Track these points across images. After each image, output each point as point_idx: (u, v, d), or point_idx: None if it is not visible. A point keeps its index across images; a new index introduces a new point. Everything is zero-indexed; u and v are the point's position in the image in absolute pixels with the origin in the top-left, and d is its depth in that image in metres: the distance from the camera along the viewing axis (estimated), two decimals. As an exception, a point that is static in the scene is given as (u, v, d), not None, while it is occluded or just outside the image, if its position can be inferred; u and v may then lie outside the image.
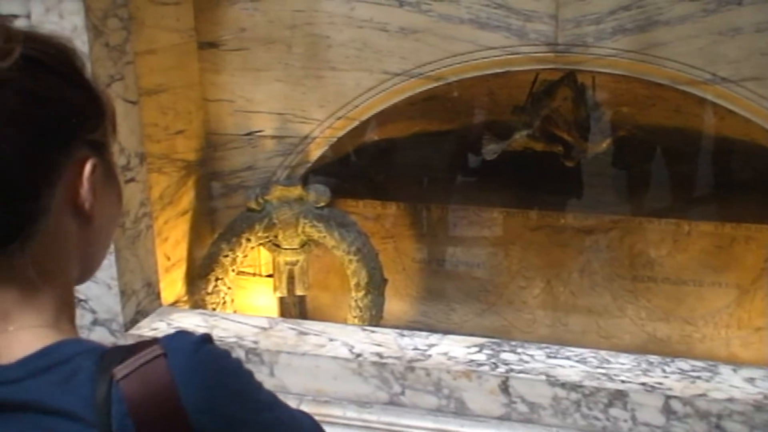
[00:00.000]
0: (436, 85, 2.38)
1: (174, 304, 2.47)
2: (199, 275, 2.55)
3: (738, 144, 2.52)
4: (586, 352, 2.06)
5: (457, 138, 2.74)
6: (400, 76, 2.39)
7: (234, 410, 0.79)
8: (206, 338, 0.81)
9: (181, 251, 2.54)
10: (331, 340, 2.13)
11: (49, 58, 0.81)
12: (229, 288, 2.56)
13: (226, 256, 2.53)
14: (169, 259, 2.46)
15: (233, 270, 2.56)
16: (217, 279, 2.53)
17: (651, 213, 2.61)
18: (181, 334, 0.81)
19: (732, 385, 1.95)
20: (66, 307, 0.85)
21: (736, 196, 2.63)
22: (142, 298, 2.28)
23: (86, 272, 0.90)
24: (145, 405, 0.74)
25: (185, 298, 2.55)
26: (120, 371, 0.75)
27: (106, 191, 0.85)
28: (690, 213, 2.59)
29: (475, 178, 2.79)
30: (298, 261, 2.60)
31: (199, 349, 0.79)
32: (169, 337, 0.80)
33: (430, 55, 2.35)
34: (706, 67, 2.20)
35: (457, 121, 2.71)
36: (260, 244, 2.58)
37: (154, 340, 0.79)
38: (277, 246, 2.58)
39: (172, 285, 2.48)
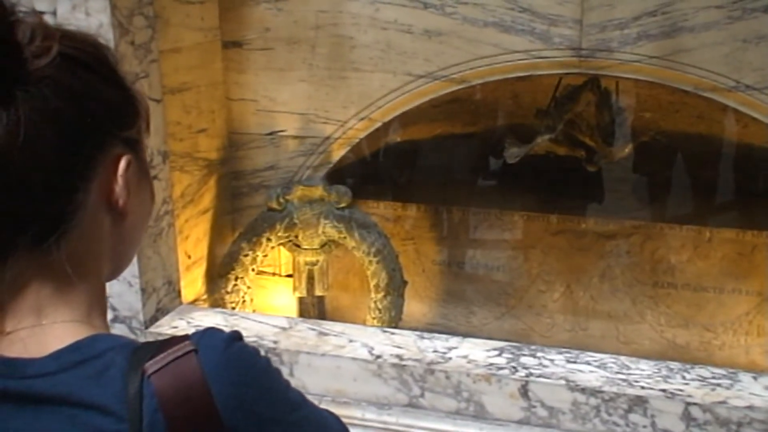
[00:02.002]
0: (459, 87, 2.38)
1: (194, 302, 2.48)
2: (220, 274, 2.57)
3: (761, 151, 2.51)
4: (606, 358, 2.06)
5: (479, 141, 2.74)
6: (423, 78, 2.39)
7: (264, 408, 0.80)
8: (236, 336, 0.82)
9: (202, 250, 2.55)
10: (351, 341, 2.13)
11: (85, 56, 0.82)
12: (248, 287, 2.57)
13: (247, 255, 2.54)
14: (189, 257, 2.47)
15: (253, 269, 2.57)
16: (237, 278, 2.54)
17: (672, 219, 2.60)
18: (212, 331, 0.82)
19: (752, 392, 1.94)
20: (98, 303, 0.87)
21: (758, 203, 2.62)
22: (163, 296, 2.29)
23: (117, 269, 0.92)
24: (176, 400, 0.74)
25: (205, 297, 2.56)
26: (151, 366, 0.75)
27: (139, 188, 0.86)
28: (711, 220, 2.58)
29: (497, 181, 2.79)
30: (318, 261, 2.61)
31: (229, 346, 0.80)
32: (199, 334, 0.81)
33: (454, 57, 2.35)
34: (731, 74, 2.19)
35: (479, 124, 2.71)
36: (281, 243, 2.59)
37: (185, 337, 0.80)
38: (298, 246, 2.59)
39: (193, 283, 2.49)
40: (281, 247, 2.63)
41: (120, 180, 0.82)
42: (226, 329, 0.82)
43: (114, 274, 0.91)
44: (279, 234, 2.55)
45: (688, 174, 2.69)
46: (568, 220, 2.65)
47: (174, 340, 0.79)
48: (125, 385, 0.74)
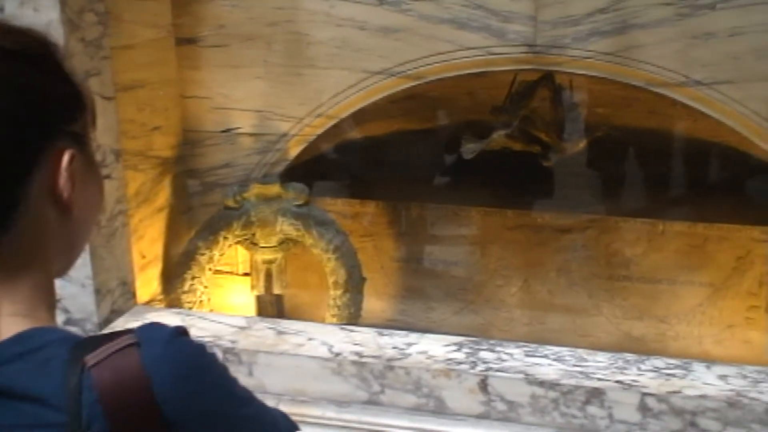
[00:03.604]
0: (415, 84, 2.39)
1: (149, 303, 2.45)
2: (176, 274, 2.54)
3: (711, 146, 2.56)
4: (563, 351, 2.08)
5: (436, 137, 2.75)
6: (379, 75, 2.39)
7: (208, 403, 0.80)
8: (181, 330, 0.82)
9: (157, 249, 2.52)
10: (310, 339, 2.12)
11: (29, 51, 0.82)
12: (205, 287, 2.55)
13: (203, 254, 2.52)
14: (144, 257, 2.44)
15: (210, 268, 2.55)
16: (193, 277, 2.52)
17: (626, 213, 2.64)
18: (156, 325, 0.81)
19: (705, 382, 1.98)
20: (44, 298, 0.85)
21: (709, 196, 2.67)
22: (117, 297, 2.26)
23: (67, 263, 0.91)
24: (115, 393, 0.74)
25: (161, 297, 2.53)
26: (92, 359, 0.75)
27: (85, 182, 0.86)
28: (664, 213, 2.62)
29: (454, 177, 2.80)
30: (275, 259, 2.59)
31: (173, 339, 0.80)
32: (143, 328, 0.80)
33: (410, 54, 2.35)
34: (681, 70, 2.23)
35: (436, 121, 2.72)
36: (238, 242, 2.57)
37: (128, 330, 0.79)
38: (255, 244, 2.57)
39: (148, 284, 2.46)
40: (238, 246, 2.61)
41: (63, 173, 0.82)
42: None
43: (64, 269, 0.91)
44: (236, 232, 2.53)
45: (641, 168, 2.74)
46: (525, 215, 2.67)
47: (117, 334, 0.79)
48: (65, 377, 0.74)
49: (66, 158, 0.82)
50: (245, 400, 0.85)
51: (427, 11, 2.31)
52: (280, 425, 0.91)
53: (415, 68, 2.36)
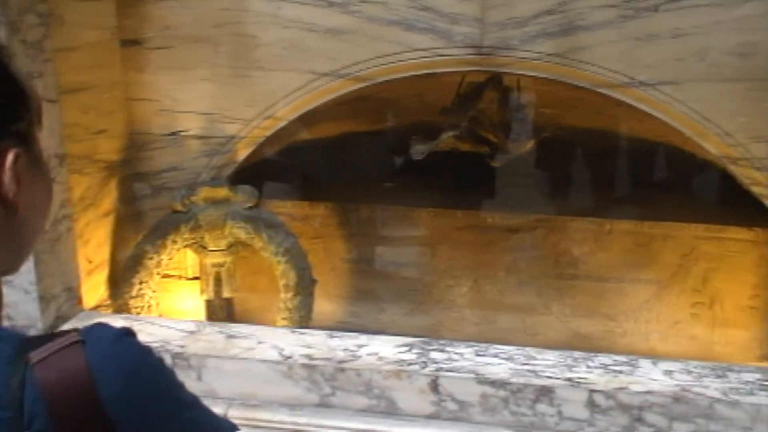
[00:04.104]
0: (363, 85, 2.39)
1: (96, 308, 2.41)
2: (123, 279, 2.50)
3: (656, 146, 2.61)
4: (512, 350, 2.09)
5: (385, 138, 2.75)
6: (327, 77, 2.38)
7: (152, 404, 0.79)
8: (127, 331, 0.81)
9: (104, 254, 2.48)
10: (260, 342, 2.11)
11: None
12: (153, 291, 2.51)
13: (151, 258, 2.48)
14: (90, 262, 2.40)
15: (158, 273, 2.52)
16: (141, 282, 2.48)
17: (574, 212, 2.68)
18: (102, 325, 0.81)
19: (651, 378, 2.01)
20: None
21: (655, 195, 2.72)
22: (62, 303, 2.22)
23: (14, 263, 0.89)
24: (58, 390, 0.74)
25: (108, 303, 2.49)
26: (36, 356, 0.75)
27: (32, 182, 0.85)
28: (611, 212, 2.66)
29: (404, 178, 2.81)
30: (225, 263, 2.57)
31: (119, 340, 0.80)
32: (89, 327, 0.80)
33: (358, 55, 2.35)
34: (625, 71, 2.26)
35: (385, 122, 2.73)
36: (186, 246, 2.54)
37: (74, 330, 0.79)
38: (204, 248, 2.55)
39: (94, 289, 2.42)
40: (187, 250, 2.58)
41: (8, 173, 0.81)
42: None
43: (11, 269, 0.89)
44: (184, 236, 2.50)
45: (588, 168, 2.78)
46: (474, 216, 2.69)
47: (63, 332, 0.78)
48: (9, 374, 0.74)
49: (10, 158, 0.81)
50: (190, 403, 0.85)
51: (374, 13, 2.31)
52: (224, 430, 0.90)
53: (364, 70, 2.36)
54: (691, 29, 2.20)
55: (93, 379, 0.75)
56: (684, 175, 2.75)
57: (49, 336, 0.78)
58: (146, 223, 2.57)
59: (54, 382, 0.74)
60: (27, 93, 0.85)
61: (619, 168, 2.76)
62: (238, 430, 0.92)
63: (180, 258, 2.62)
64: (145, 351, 0.81)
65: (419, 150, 2.48)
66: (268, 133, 2.50)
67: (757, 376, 2.08)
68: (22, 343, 0.77)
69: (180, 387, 0.84)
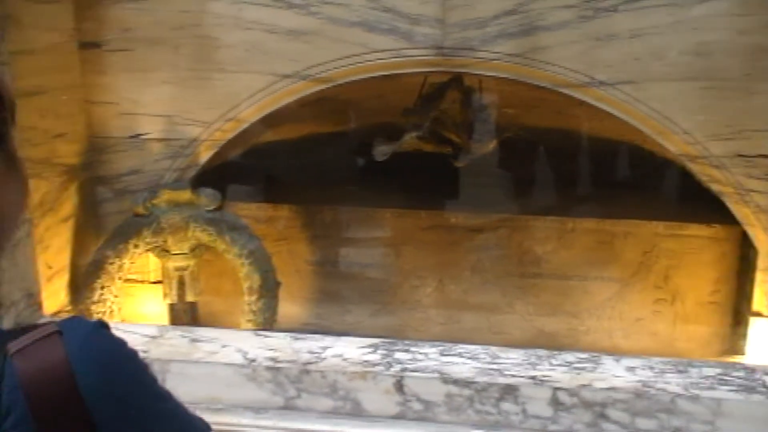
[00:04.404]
0: (325, 86, 2.38)
1: (57, 314, 2.37)
2: (84, 284, 2.47)
3: (616, 145, 2.64)
4: (477, 349, 2.10)
5: (348, 140, 2.75)
6: (289, 78, 2.38)
7: (128, 394, 0.80)
8: (103, 324, 0.82)
9: (64, 259, 2.45)
10: (224, 346, 2.10)
11: None
12: (115, 296, 2.49)
13: (112, 263, 2.45)
14: (50, 267, 2.36)
15: (120, 277, 2.49)
16: (102, 287, 2.45)
17: (537, 211, 2.69)
18: (79, 318, 0.81)
19: (614, 374, 2.03)
20: None
21: (616, 194, 2.75)
22: (22, 309, 2.18)
23: None
24: (37, 379, 0.74)
25: (69, 308, 2.46)
26: (14, 346, 0.76)
27: (7, 179, 0.84)
28: (573, 211, 2.69)
29: (367, 179, 2.81)
30: (188, 266, 2.55)
31: (95, 331, 0.80)
32: (66, 320, 0.81)
33: (320, 57, 2.35)
34: (585, 70, 2.28)
35: (348, 123, 2.72)
36: (148, 249, 2.52)
37: (52, 322, 0.79)
38: (166, 251, 2.52)
39: (55, 295, 2.39)
40: (149, 253, 2.56)
41: None
42: None
43: None
44: (146, 240, 2.48)
45: (550, 167, 2.80)
46: (438, 216, 2.70)
47: (40, 324, 0.79)
48: None
49: None
50: (164, 396, 0.85)
51: (335, 14, 2.31)
52: (197, 425, 0.91)
53: (326, 71, 2.35)
54: (649, 29, 2.23)
55: (71, 370, 0.75)
56: (644, 173, 2.78)
57: (26, 328, 0.79)
58: (107, 227, 2.54)
59: (33, 372, 0.74)
60: (3, 95, 0.85)
61: (581, 167, 2.78)
62: (207, 425, 0.92)
63: (142, 262, 2.59)
64: (121, 343, 0.82)
65: (382, 151, 2.48)
66: (231, 135, 2.48)
67: (718, 370, 2.11)
68: None
69: (154, 380, 0.85)
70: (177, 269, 2.55)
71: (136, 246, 2.47)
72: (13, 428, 0.74)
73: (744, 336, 2.46)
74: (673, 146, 2.31)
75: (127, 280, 2.57)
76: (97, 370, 0.77)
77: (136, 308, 2.64)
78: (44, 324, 0.79)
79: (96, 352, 0.78)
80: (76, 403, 0.75)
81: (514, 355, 2.09)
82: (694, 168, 2.33)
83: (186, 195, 2.47)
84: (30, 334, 0.77)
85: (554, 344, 2.56)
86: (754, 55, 2.20)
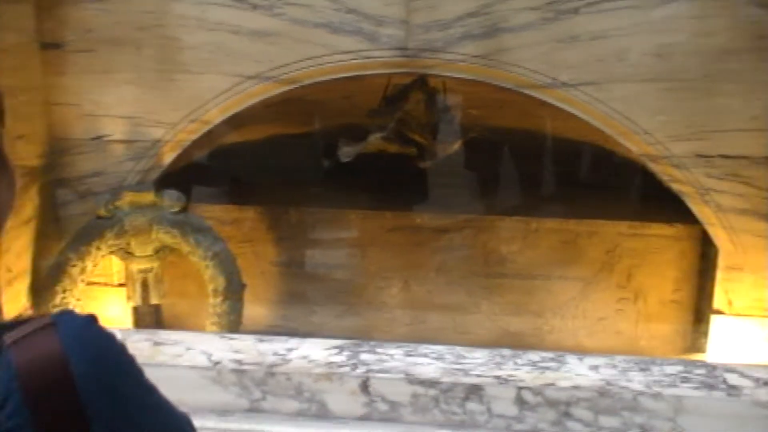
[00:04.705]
0: (290, 88, 2.38)
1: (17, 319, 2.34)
2: (45, 287, 2.43)
3: (579, 145, 2.66)
4: (442, 349, 2.11)
5: (313, 141, 2.75)
6: (254, 79, 2.37)
7: (120, 385, 0.80)
8: (95, 318, 0.82)
9: (25, 262, 2.41)
10: (188, 349, 2.08)
11: None
12: (78, 299, 2.46)
13: (74, 265, 2.43)
14: (10, 271, 2.33)
15: (82, 280, 2.46)
16: (64, 290, 2.42)
17: (501, 211, 2.71)
18: (71, 311, 0.82)
19: (578, 373, 2.05)
20: None
21: (579, 194, 2.78)
22: (-17, 314, 2.15)
23: None
24: (33, 370, 0.75)
25: (30, 313, 2.42)
26: (10, 338, 0.76)
27: None
28: (537, 211, 2.71)
29: (333, 180, 2.81)
30: (152, 268, 2.53)
31: (88, 324, 0.81)
32: (59, 313, 0.81)
33: (284, 58, 2.34)
34: (548, 72, 2.30)
35: (313, 124, 2.72)
36: (111, 252, 2.49)
37: (44, 315, 0.81)
38: (130, 254, 2.50)
39: (15, 299, 2.35)
40: (112, 256, 2.53)
41: None
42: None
43: None
44: (109, 242, 2.45)
45: (515, 168, 2.82)
46: (404, 217, 2.70)
47: (32, 317, 0.80)
48: None
49: None
50: (151, 388, 0.86)
51: (300, 15, 2.31)
52: (181, 420, 0.91)
53: (290, 72, 2.35)
54: (610, 31, 2.25)
55: (67, 361, 0.76)
56: (607, 173, 2.81)
57: (19, 321, 0.79)
58: (69, 229, 2.51)
59: (29, 363, 0.75)
60: None
61: (545, 167, 2.81)
62: (190, 420, 0.93)
63: (105, 264, 2.57)
64: (112, 336, 0.83)
65: (347, 152, 2.49)
66: (195, 136, 2.47)
67: (679, 368, 2.14)
68: None
69: (141, 373, 0.85)
70: (141, 272, 2.53)
71: (98, 248, 2.45)
72: (9, 418, 0.74)
73: (705, 334, 2.50)
74: (634, 146, 2.34)
75: (90, 283, 2.54)
76: (91, 362, 0.77)
77: (99, 311, 2.58)
78: (38, 317, 0.80)
79: (90, 344, 0.79)
80: (71, 394, 0.76)
81: (479, 355, 2.10)
82: (656, 168, 2.36)
83: (149, 197, 2.45)
84: (24, 326, 0.77)
85: (519, 344, 2.58)
86: (713, 57, 2.24)
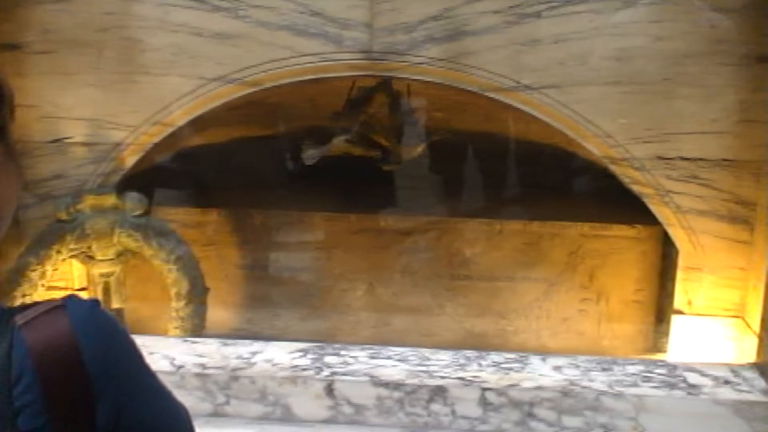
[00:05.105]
0: (253, 90, 2.37)
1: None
2: (4, 292, 2.40)
3: (542, 147, 2.68)
4: (407, 351, 2.12)
5: (277, 143, 2.74)
6: (216, 82, 2.36)
7: (124, 365, 0.86)
8: (99, 302, 0.88)
9: (-16, 267, 2.38)
10: (151, 353, 2.07)
11: None
12: (39, 304, 2.42)
13: (34, 270, 2.39)
14: (-30, 275, 2.29)
15: (43, 285, 2.43)
16: (24, 295, 2.38)
17: (465, 214, 2.73)
18: (76, 295, 0.87)
19: (541, 374, 2.07)
20: None
21: (542, 196, 2.80)
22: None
23: None
24: (44, 348, 0.80)
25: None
26: (21, 318, 0.82)
27: (6, 169, 0.89)
28: (501, 213, 2.73)
29: (297, 183, 2.80)
30: (113, 272, 2.50)
31: (95, 307, 0.87)
32: (66, 297, 0.86)
33: (248, 60, 2.33)
34: (511, 75, 2.32)
35: (277, 127, 2.71)
36: (72, 256, 2.46)
37: (53, 299, 0.86)
38: (91, 257, 2.47)
39: (-25, 303, 2.31)
40: (73, 260, 2.50)
41: None
42: None
43: None
44: (70, 246, 2.42)
45: (479, 170, 2.83)
46: (368, 219, 2.71)
47: (41, 301, 0.85)
48: None
49: None
50: (152, 373, 0.91)
51: (264, 18, 2.30)
52: (178, 406, 0.96)
53: (254, 75, 2.34)
54: (571, 35, 2.28)
55: (76, 340, 0.81)
56: (570, 175, 2.84)
57: (28, 305, 0.84)
58: (30, 233, 2.48)
59: (40, 342, 0.80)
60: (3, 89, 0.89)
61: (509, 170, 2.83)
62: (188, 413, 0.98)
63: (66, 269, 2.53)
64: (116, 320, 0.89)
65: (311, 155, 2.48)
66: (157, 139, 2.45)
67: (641, 368, 2.17)
68: (3, 312, 0.83)
69: (143, 356, 0.90)
70: (102, 275, 2.50)
71: (59, 252, 2.41)
72: (23, 394, 0.79)
73: (666, 333, 2.53)
74: (596, 149, 2.37)
75: (50, 288, 2.50)
76: (98, 341, 0.83)
77: (60, 316, 2.57)
78: (46, 300, 0.85)
79: (97, 325, 0.84)
80: (80, 371, 0.81)
81: (444, 357, 2.11)
82: (617, 170, 2.38)
83: (111, 200, 2.42)
84: (35, 308, 0.83)
85: (484, 345, 2.60)
86: (672, 60, 2.27)
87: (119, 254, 2.48)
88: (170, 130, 2.44)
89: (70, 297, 0.86)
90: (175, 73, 2.36)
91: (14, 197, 0.93)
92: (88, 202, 2.41)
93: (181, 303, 2.44)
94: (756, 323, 2.28)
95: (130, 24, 2.34)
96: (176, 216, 2.67)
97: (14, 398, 0.79)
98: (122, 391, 0.84)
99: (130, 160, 2.47)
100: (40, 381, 0.79)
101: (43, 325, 0.81)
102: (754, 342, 2.28)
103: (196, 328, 2.45)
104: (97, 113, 2.42)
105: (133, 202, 2.43)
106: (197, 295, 2.44)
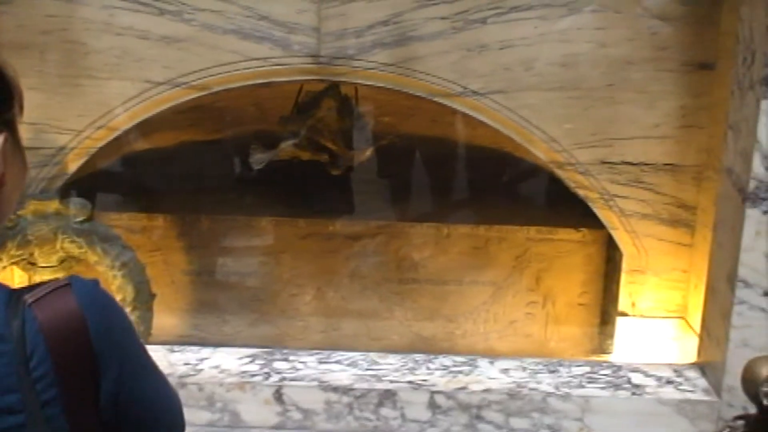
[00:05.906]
0: (200, 94, 2.35)
1: None
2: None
3: (489, 152, 2.71)
4: (356, 356, 2.12)
5: (224, 148, 2.72)
6: (163, 85, 2.33)
7: (126, 343, 0.92)
8: (99, 281, 0.93)
9: None
10: (96, 360, 2.03)
11: None
12: (-21, 312, 2.36)
13: (-25, 277, 2.34)
14: None
15: (-17, 292, 2.37)
16: (-36, 303, 2.32)
17: (414, 218, 2.74)
18: (78, 276, 0.92)
19: (489, 376, 2.10)
20: None
21: (489, 200, 2.83)
22: None
23: None
24: (54, 324, 0.85)
25: None
26: (31, 297, 0.86)
27: (14, 161, 0.93)
28: (449, 217, 2.75)
29: (245, 187, 2.78)
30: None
31: (97, 286, 0.92)
32: (70, 276, 0.91)
33: (195, 64, 2.31)
34: (458, 80, 2.34)
35: (224, 131, 2.69)
36: (13, 263, 2.41)
37: (58, 278, 0.91)
38: (33, 264, 2.42)
39: None
40: (14, 267, 2.45)
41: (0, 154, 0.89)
42: None
43: None
44: (11, 252, 2.37)
45: (427, 174, 2.85)
46: (316, 224, 2.70)
47: (46, 281, 0.90)
48: (7, 313, 0.85)
49: (1, 140, 0.89)
50: (147, 353, 0.96)
51: (210, 21, 2.28)
52: (171, 388, 1.01)
53: (200, 78, 2.32)
54: (517, 41, 2.31)
55: (83, 317, 0.86)
56: (516, 179, 2.88)
57: (33, 285, 0.89)
58: (-31, 240, 2.42)
59: (51, 318, 0.85)
60: (12, 84, 0.92)
61: (456, 174, 2.85)
62: (179, 397, 1.04)
63: (7, 276, 2.48)
64: (115, 299, 0.95)
65: (259, 159, 2.47)
66: (101, 143, 2.41)
67: (586, 369, 2.21)
68: (12, 291, 0.87)
69: (140, 337, 0.96)
70: (45, 283, 2.45)
71: (0, 259, 2.36)
72: (35, 368, 0.84)
73: (611, 335, 2.58)
74: (542, 154, 2.40)
75: (-9, 296, 2.44)
76: (103, 318, 0.88)
77: None
78: (51, 280, 0.90)
79: (101, 303, 0.90)
80: (87, 346, 0.86)
81: (393, 361, 2.12)
82: (563, 174, 2.42)
83: (54, 205, 2.38)
84: (43, 286, 0.87)
85: (432, 348, 2.61)
86: (615, 66, 2.32)
87: (62, 261, 2.43)
88: (115, 134, 2.40)
89: (74, 277, 0.91)
90: (120, 76, 2.33)
91: (21, 183, 0.98)
92: (31, 207, 2.36)
93: (127, 309, 2.41)
94: (697, 324, 2.33)
95: (74, 26, 2.30)
96: (121, 221, 2.63)
97: (30, 371, 0.84)
98: (123, 368, 0.90)
99: (74, 164, 2.43)
100: (51, 356, 0.84)
101: (52, 303, 0.86)
102: (695, 342, 2.34)
103: (143, 335, 2.42)
104: (40, 117, 2.37)
105: (76, 207, 2.38)
106: (143, 301, 2.40)
